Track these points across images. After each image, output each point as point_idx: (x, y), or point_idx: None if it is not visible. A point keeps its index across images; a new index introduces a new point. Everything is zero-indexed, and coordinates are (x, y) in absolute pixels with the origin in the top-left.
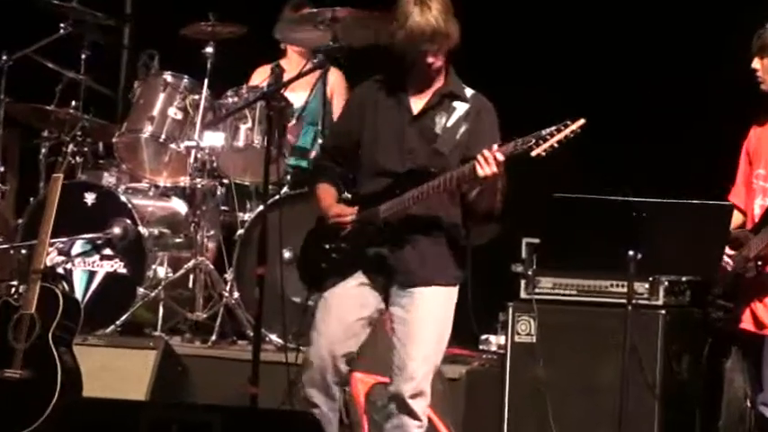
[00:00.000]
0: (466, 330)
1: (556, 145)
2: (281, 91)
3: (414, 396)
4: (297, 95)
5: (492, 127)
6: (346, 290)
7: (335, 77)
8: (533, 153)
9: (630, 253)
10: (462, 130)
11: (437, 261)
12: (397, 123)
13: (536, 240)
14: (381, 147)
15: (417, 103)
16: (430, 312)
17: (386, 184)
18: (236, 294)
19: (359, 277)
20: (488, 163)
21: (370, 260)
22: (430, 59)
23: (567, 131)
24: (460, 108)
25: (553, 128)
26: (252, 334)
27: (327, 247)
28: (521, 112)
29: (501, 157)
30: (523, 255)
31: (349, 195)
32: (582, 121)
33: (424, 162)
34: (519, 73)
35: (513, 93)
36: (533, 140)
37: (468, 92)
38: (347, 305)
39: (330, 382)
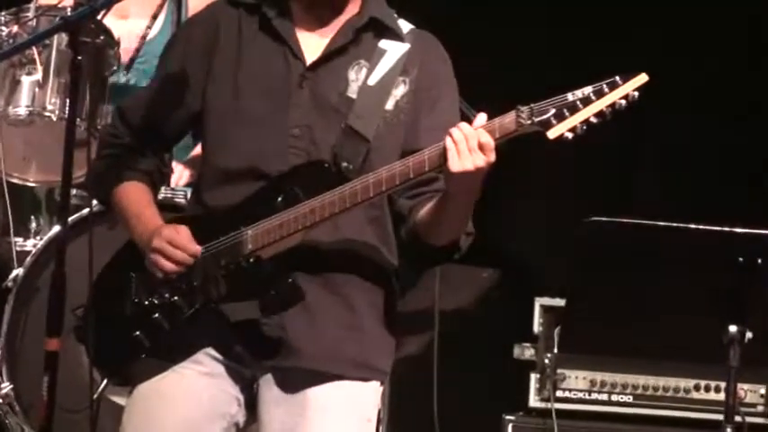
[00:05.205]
0: None
1: (594, 120)
2: (99, 16)
3: None
4: (129, 24)
5: (453, 89)
6: (183, 383)
7: None
8: (551, 134)
9: (733, 329)
10: (400, 92)
11: (348, 334)
12: (276, 81)
13: (557, 302)
14: (246, 124)
15: (314, 45)
16: (333, 428)
17: (255, 192)
18: (5, 387)
19: (204, 360)
20: (470, 149)
21: (225, 329)
22: None
23: (616, 96)
24: (393, 51)
25: (589, 89)
26: None
27: (146, 301)
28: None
29: (488, 140)
30: (536, 328)
31: (175, 194)
32: (643, 78)
33: (327, 152)
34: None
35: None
36: (552, 111)
37: (405, 26)
38: (185, 410)
39: None
